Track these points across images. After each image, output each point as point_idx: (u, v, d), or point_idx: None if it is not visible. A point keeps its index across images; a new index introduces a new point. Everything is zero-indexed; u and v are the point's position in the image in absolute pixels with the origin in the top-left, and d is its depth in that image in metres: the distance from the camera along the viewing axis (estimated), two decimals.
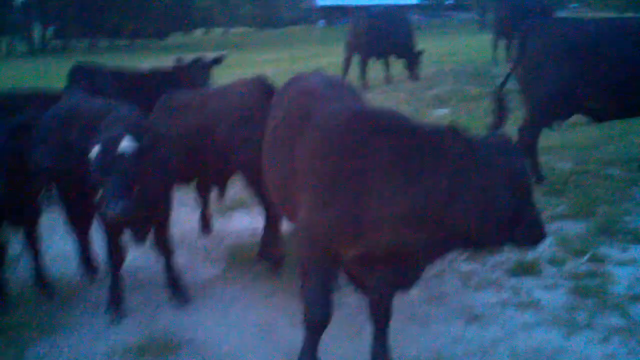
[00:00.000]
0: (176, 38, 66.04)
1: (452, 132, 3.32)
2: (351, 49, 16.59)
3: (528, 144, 7.51)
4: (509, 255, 5.67)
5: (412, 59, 16.16)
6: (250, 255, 6.14)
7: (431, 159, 3.39)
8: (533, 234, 3.39)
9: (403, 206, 3.40)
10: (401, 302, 4.91)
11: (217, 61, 9.31)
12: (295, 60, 27.76)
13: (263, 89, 5.75)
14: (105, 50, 51.47)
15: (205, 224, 6.96)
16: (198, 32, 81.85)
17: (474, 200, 3.28)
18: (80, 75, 9.03)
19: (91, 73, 9.19)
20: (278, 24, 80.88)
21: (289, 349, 4.35)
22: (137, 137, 4.49)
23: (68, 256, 6.22)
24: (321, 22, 72.11)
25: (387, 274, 3.79)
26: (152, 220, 5.03)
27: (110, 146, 4.34)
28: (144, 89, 8.78)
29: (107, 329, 4.92)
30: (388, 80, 16.68)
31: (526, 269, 5.39)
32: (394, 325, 4.27)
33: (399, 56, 16.51)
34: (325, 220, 3.61)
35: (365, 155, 3.51)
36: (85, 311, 5.23)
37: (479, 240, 3.46)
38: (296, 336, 4.35)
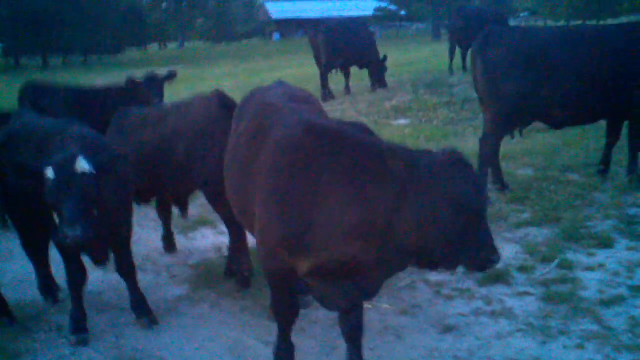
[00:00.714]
0: (131, 53, 65.24)
1: (391, 151, 3.27)
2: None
3: (490, 152, 7.57)
4: None
5: (377, 67, 16.28)
6: (217, 273, 6.02)
7: (376, 176, 3.35)
8: (480, 258, 3.30)
9: (347, 220, 3.39)
10: (374, 314, 4.90)
11: (170, 77, 9.14)
12: (252, 74, 27.67)
13: (222, 103, 5.63)
14: (59, 67, 50.45)
15: (169, 243, 6.79)
16: (152, 47, 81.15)
17: (417, 218, 3.23)
18: (32, 93, 8.78)
19: (43, 91, 8.94)
20: (233, 38, 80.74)
21: None
22: (93, 156, 4.31)
23: (27, 280, 6.00)
24: (276, 35, 72.28)
25: (345, 287, 3.71)
26: (111, 242, 4.86)
27: (65, 167, 4.12)
28: (98, 106, 8.59)
29: (73, 353, 4.73)
30: (348, 91, 16.73)
31: (496, 278, 5.37)
32: (368, 337, 4.22)
33: (363, 66, 16.60)
34: (275, 232, 3.65)
35: (313, 169, 3.53)
36: (49, 335, 5.04)
37: (429, 259, 3.42)
38: (267, 354, 4.31)
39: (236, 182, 4.30)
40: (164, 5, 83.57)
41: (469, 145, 9.33)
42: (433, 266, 3.57)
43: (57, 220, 4.21)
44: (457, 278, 5.50)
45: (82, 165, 4.15)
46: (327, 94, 16.13)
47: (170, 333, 4.96)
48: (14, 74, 42.31)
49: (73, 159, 4.16)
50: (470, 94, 13.38)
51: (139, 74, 9.21)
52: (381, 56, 16.35)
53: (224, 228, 7.02)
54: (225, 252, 6.57)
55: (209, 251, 6.76)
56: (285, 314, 4.09)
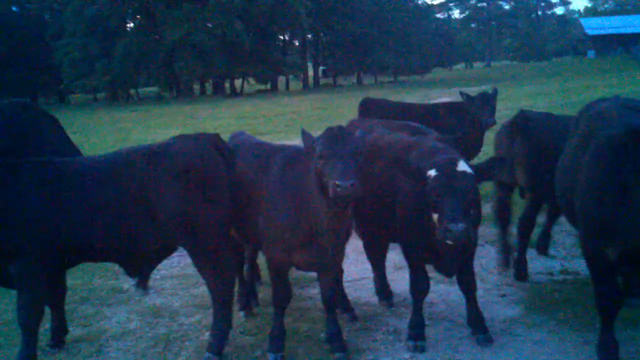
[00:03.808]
0: (437, 73, 66.95)
1: None
2: None
3: None
4: None
5: None
6: (551, 299, 5.72)
7: None
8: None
9: None
10: None
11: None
12: (567, 93, 26.24)
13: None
14: (371, 86, 53.99)
15: (505, 260, 6.60)
16: (458, 67, 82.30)
17: None
18: (371, 107, 9.43)
19: (380, 105, 9.56)
20: (542, 56, 77.98)
21: None
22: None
23: (362, 282, 6.42)
24: (591, 52, 67.72)
25: None
26: (465, 251, 4.82)
27: (448, 167, 4.29)
28: (431, 121, 8.84)
29: (412, 357, 4.84)
30: None
31: None
32: None
33: None
34: (591, 219, 4.28)
35: (625, 166, 4.00)
36: (386, 337, 5.23)
37: None
38: None
39: (564, 182, 4.85)
40: (473, 25, 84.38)
41: None
42: None
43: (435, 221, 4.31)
44: None
45: (463, 166, 4.29)
46: None
47: (506, 354, 4.81)
48: (333, 92, 46.65)
49: (455, 161, 4.34)
50: None
51: (446, 93, 9.30)
52: None
53: (552, 251, 6.73)
54: (557, 277, 6.27)
55: (540, 274, 6.45)
56: (608, 306, 4.37)
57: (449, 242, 4.15)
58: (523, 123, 6.34)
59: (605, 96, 5.60)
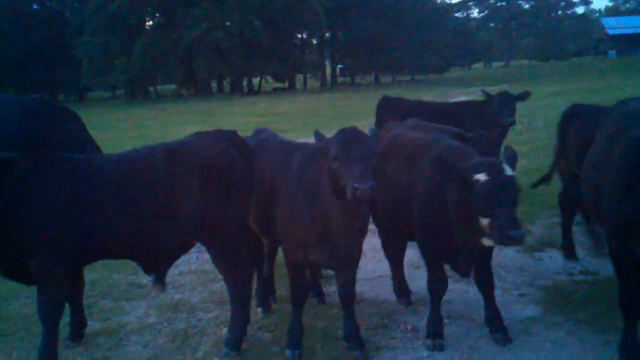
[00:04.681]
0: (455, 72, 66.59)
1: None
2: None
3: None
4: None
5: None
6: (571, 299, 5.67)
7: None
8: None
9: None
10: None
11: (523, 96, 8.86)
12: (587, 93, 25.94)
13: None
14: (389, 85, 53.86)
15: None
16: (476, 66, 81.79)
17: None
18: (389, 106, 9.41)
19: (398, 104, 9.52)
20: (562, 56, 77.32)
21: None
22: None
23: (380, 279, 6.43)
24: (612, 52, 67.01)
25: None
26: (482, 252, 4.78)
27: (499, 172, 4.17)
28: (449, 120, 8.79)
29: (429, 356, 4.84)
30: None
31: None
32: None
33: None
34: (616, 216, 4.28)
35: None
36: (405, 335, 5.23)
37: None
38: None
39: (591, 180, 4.83)
40: (492, 24, 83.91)
41: None
42: None
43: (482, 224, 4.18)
44: None
45: (509, 169, 4.22)
46: None
47: (525, 354, 4.77)
48: (350, 90, 46.57)
49: (500, 164, 4.24)
50: None
51: (464, 92, 9.29)
52: None
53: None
54: (577, 277, 6.22)
55: (559, 274, 6.40)
56: (632, 306, 4.36)
57: (506, 246, 4.22)
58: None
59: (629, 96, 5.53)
